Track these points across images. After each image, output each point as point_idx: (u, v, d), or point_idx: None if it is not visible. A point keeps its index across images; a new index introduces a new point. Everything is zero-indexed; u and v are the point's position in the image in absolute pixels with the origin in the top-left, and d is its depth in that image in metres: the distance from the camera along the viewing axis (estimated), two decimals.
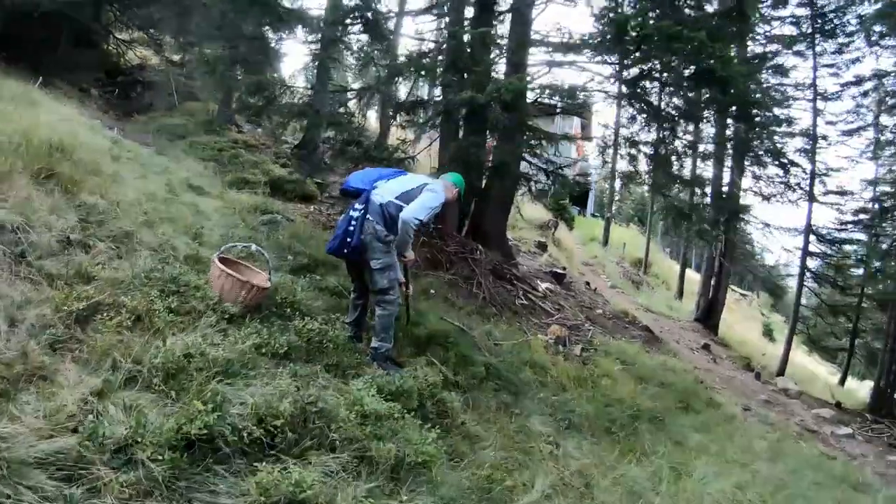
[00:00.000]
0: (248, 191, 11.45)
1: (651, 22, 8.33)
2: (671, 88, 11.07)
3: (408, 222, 5.47)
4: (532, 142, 10.41)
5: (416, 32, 13.93)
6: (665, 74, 10.27)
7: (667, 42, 8.16)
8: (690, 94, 11.43)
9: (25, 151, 6.07)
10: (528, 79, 9.58)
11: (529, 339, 8.38)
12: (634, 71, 10.52)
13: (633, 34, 8.29)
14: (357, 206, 5.67)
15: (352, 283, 6.21)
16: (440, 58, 10.01)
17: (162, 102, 18.19)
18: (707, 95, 11.21)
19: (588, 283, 17.50)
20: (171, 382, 3.92)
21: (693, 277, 27.52)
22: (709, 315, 20.34)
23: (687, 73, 9.81)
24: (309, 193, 12.99)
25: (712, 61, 8.51)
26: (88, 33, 17.18)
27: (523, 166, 11.72)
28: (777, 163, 18.29)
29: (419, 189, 5.66)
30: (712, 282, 20.62)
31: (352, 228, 5.61)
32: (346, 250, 5.68)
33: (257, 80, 11.06)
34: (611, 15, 9.16)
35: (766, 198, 19.05)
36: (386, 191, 5.69)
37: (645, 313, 17.70)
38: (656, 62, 9.53)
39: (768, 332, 29.83)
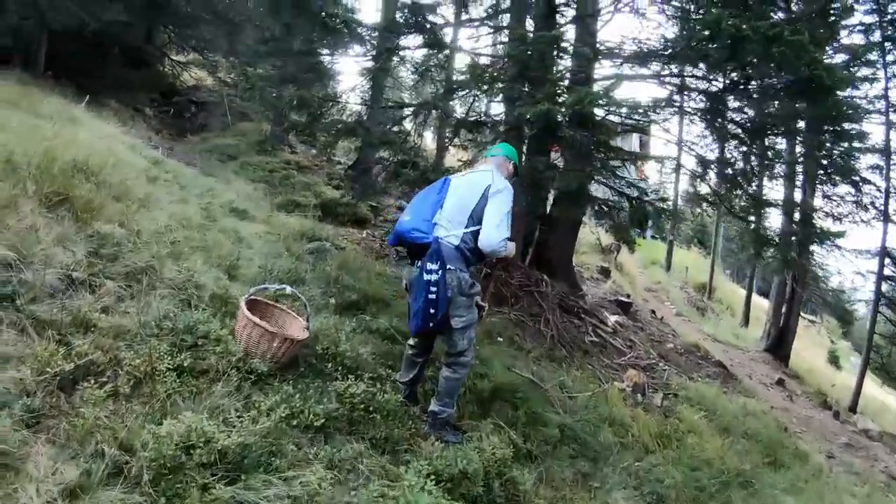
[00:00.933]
0: (298, 214, 10.50)
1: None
2: (757, 99, 9.74)
3: (497, 250, 4.37)
4: (611, 162, 9.09)
5: (471, 48, 12.96)
6: (755, 83, 8.88)
7: (764, 46, 6.83)
8: (776, 107, 10.10)
9: (40, 173, 5.17)
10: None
11: (606, 389, 7.18)
12: (716, 81, 9.29)
13: (726, 38, 6.92)
14: (429, 265, 4.38)
15: (413, 336, 4.95)
16: (502, 70, 8.81)
17: (216, 123, 17.62)
18: (798, 107, 9.83)
19: (653, 312, 16.18)
20: (162, 484, 2.87)
21: (759, 302, 25.84)
22: (779, 345, 18.73)
23: (780, 81, 8.49)
24: (362, 217, 12.00)
25: (814, 69, 7.23)
26: (140, 54, 16.68)
27: (593, 187, 10.45)
28: (849, 181, 16.72)
29: (483, 198, 4.44)
30: (783, 309, 19.03)
31: (433, 296, 4.38)
32: (432, 325, 4.45)
33: (299, 94, 10.02)
34: (695, 16, 7.85)
35: (837, 218, 17.44)
36: (450, 223, 4.47)
37: (713, 344, 16.29)
38: (749, 70, 8.14)
39: (834, 360, 27.72)
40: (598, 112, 8.64)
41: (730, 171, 10.90)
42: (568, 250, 11.70)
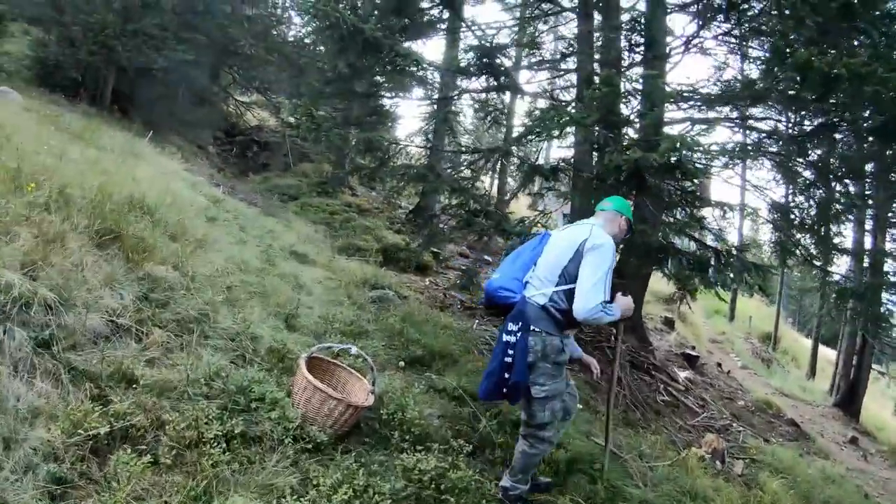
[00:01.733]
0: (358, 258, 10.00)
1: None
2: (845, 141, 8.98)
3: (590, 317, 3.64)
4: (696, 211, 8.27)
5: (534, 91, 12.42)
6: (845, 125, 8.08)
7: (859, 84, 6.08)
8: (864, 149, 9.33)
9: (93, 207, 4.77)
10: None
11: (685, 456, 6.42)
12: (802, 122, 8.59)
13: (818, 77, 6.16)
14: (510, 325, 3.83)
15: (482, 400, 4.36)
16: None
17: (277, 163, 17.49)
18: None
19: (720, 365, 15.30)
20: None
21: (824, 353, 24.53)
22: (850, 399, 17.50)
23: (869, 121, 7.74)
24: (424, 264, 11.42)
25: None
26: (205, 93, 16.63)
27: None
28: None
29: (577, 254, 3.77)
30: (853, 361, 17.84)
31: (509, 360, 3.79)
32: (505, 390, 3.85)
33: (367, 137, 9.52)
34: (784, 54, 7.13)
35: None
36: (541, 281, 3.87)
37: (782, 398, 15.27)
38: (840, 111, 7.36)
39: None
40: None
41: (805, 216, 10.13)
42: (637, 303, 10.98)
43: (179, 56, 12.74)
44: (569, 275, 3.77)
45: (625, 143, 6.79)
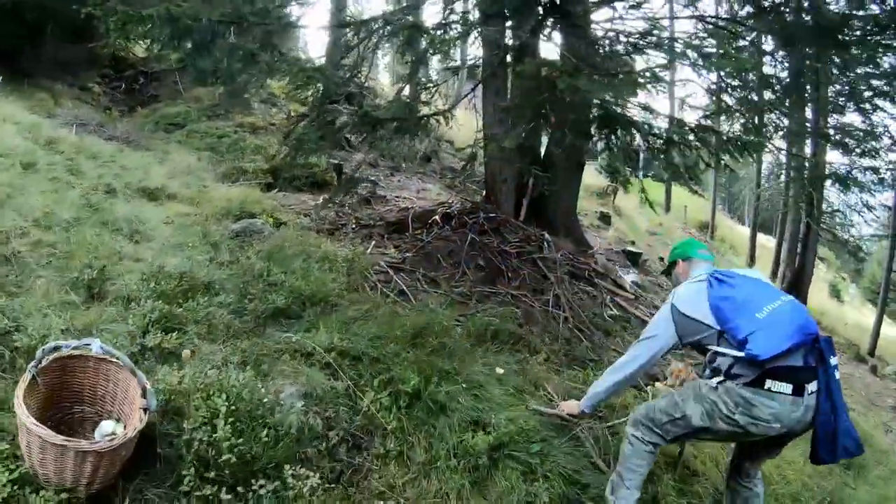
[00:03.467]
0: (244, 183, 8.55)
1: None
2: None
3: None
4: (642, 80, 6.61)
5: None
6: None
7: None
8: None
9: None
10: None
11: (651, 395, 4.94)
12: None
13: None
14: (832, 359, 2.82)
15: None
16: None
17: (168, 92, 15.30)
18: None
19: (662, 259, 14.11)
20: None
21: (761, 241, 24.07)
22: (796, 288, 16.82)
23: None
24: (323, 180, 9.82)
25: None
26: (78, 28, 14.20)
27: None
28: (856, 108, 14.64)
29: None
30: (797, 248, 17.09)
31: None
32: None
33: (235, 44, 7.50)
34: None
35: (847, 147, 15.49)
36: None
37: None
38: None
39: (836, 293, 26.54)
40: None
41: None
42: (571, 200, 9.49)
43: None
44: None
45: None
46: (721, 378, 2.80)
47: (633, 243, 13.39)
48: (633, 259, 11.42)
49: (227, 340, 3.73)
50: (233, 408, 2.75)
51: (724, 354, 2.80)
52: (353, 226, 7.67)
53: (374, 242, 6.96)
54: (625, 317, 7.19)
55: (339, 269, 5.21)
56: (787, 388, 2.65)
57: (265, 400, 3.00)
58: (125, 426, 2.57)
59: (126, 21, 5.86)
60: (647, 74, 5.88)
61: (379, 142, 7.96)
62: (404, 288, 5.62)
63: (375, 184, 10.22)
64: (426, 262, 6.58)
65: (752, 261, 21.21)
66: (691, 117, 12.79)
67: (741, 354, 2.69)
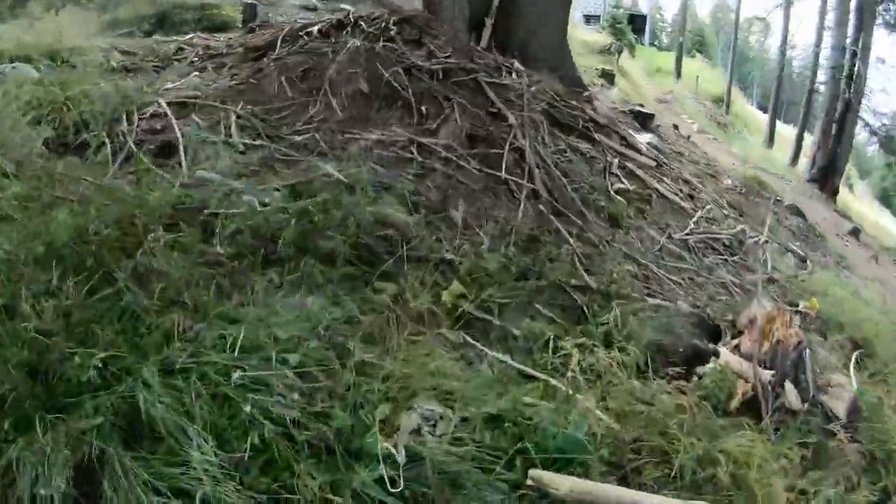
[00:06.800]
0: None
1: None
2: None
3: None
4: None
5: None
6: None
7: None
8: None
9: None
10: None
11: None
12: None
13: None
14: None
15: None
16: None
17: None
18: None
19: (676, 128, 11.08)
20: None
21: (778, 129, 21.37)
22: (826, 174, 14.00)
23: None
24: (221, 23, 7.58)
25: None
26: None
27: None
28: None
29: None
30: (832, 131, 14.11)
31: None
32: None
33: None
34: None
35: None
36: None
37: (750, 171, 11.25)
38: None
39: (849, 186, 23.85)
40: None
41: None
42: (558, 28, 6.17)
43: None
44: None
45: None
46: None
47: (641, 105, 10.18)
48: (644, 122, 8.47)
49: None
50: None
51: None
52: (195, 58, 5.00)
53: (193, 74, 4.28)
54: (643, 193, 4.03)
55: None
56: None
57: None
58: None
59: None
60: None
61: None
62: (177, 141, 3.06)
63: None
64: (257, 91, 3.59)
65: (770, 141, 19.06)
66: None
67: None
